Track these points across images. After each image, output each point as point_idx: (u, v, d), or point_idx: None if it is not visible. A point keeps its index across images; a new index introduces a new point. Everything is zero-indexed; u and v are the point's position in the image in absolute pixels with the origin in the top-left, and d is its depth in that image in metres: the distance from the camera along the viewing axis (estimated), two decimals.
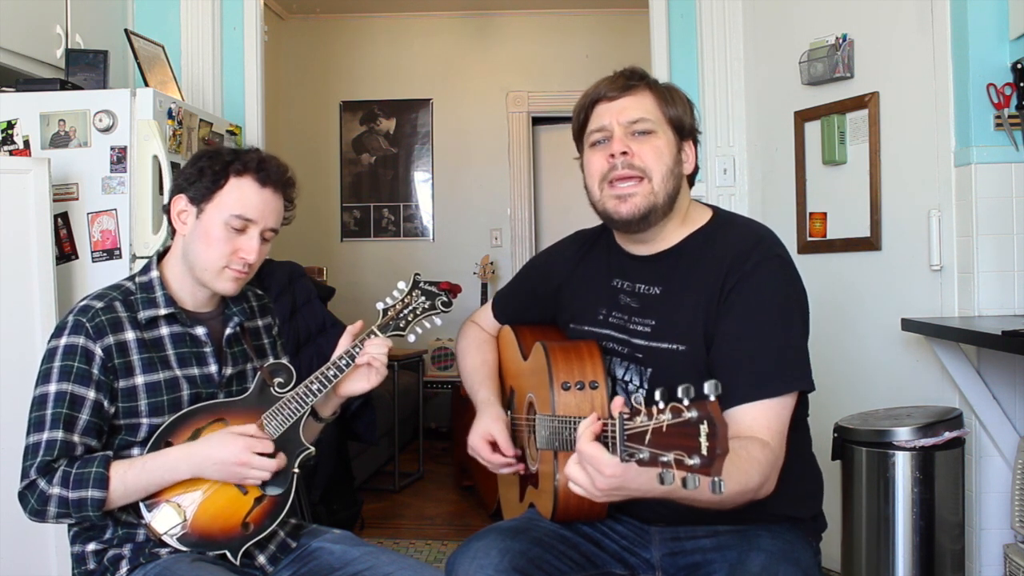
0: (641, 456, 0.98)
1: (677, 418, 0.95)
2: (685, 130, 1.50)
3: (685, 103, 1.51)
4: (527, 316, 1.78)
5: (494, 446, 1.59)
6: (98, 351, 1.46)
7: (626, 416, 1.01)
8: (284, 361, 1.67)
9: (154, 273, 1.58)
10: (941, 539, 2.16)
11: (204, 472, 1.48)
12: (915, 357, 2.56)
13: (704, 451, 0.93)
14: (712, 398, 0.94)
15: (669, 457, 0.95)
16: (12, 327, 2.27)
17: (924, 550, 2.15)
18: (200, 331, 1.58)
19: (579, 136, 1.56)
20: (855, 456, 2.25)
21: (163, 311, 1.54)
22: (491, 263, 5.42)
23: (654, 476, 0.98)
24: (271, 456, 1.50)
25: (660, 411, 0.97)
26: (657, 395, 0.97)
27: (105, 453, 1.45)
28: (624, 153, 1.45)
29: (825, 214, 2.86)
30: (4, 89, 2.59)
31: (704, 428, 0.93)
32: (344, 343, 1.62)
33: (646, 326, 1.49)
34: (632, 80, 1.49)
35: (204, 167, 1.54)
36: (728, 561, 1.40)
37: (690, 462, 0.93)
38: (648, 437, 0.97)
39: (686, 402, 0.95)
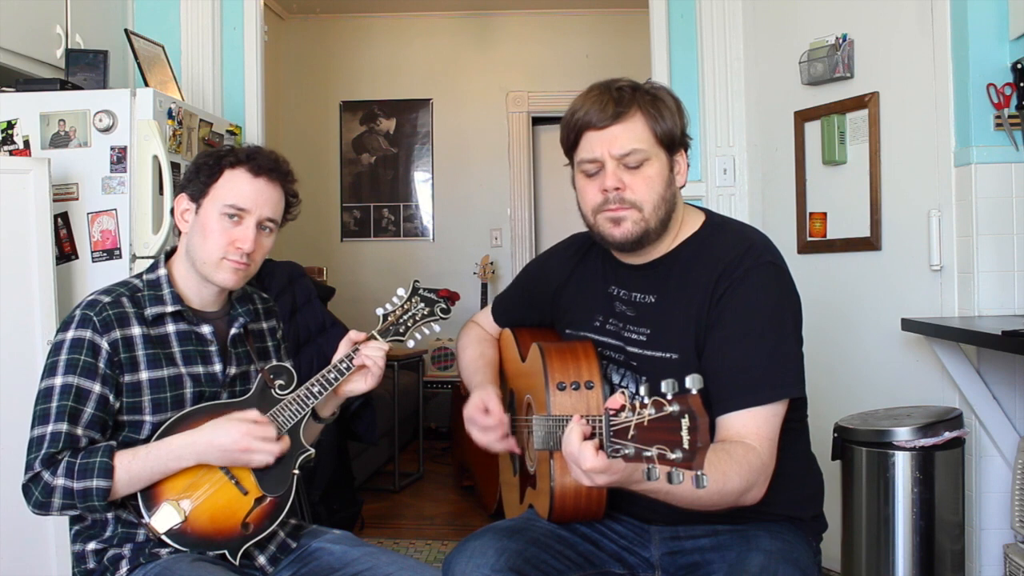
0: (626, 452, 0.98)
1: (659, 412, 0.96)
2: (676, 143, 1.47)
3: (674, 111, 1.47)
4: (525, 320, 1.78)
5: (487, 415, 1.57)
6: (104, 345, 1.47)
7: (612, 412, 1.01)
8: (286, 363, 1.68)
9: (161, 271, 1.59)
10: (941, 539, 2.16)
11: (207, 458, 1.48)
12: (915, 357, 2.56)
13: (686, 444, 0.93)
14: (694, 391, 0.95)
15: (652, 452, 0.95)
16: (12, 327, 2.27)
17: (924, 550, 2.15)
18: (206, 329, 1.59)
19: (569, 152, 1.53)
20: (855, 456, 2.25)
21: (170, 308, 1.55)
22: (491, 263, 5.42)
23: (641, 470, 0.98)
24: (275, 440, 1.51)
25: (643, 406, 0.97)
26: (642, 390, 0.98)
27: (109, 443, 1.45)
28: (617, 188, 1.43)
29: (825, 214, 2.86)
30: (4, 89, 2.59)
31: (685, 422, 0.94)
32: (344, 348, 1.63)
33: (641, 335, 1.50)
34: (621, 105, 1.42)
35: (200, 164, 1.58)
36: (727, 561, 1.40)
37: (672, 456, 0.94)
38: (632, 432, 0.98)
39: (669, 396, 0.95)
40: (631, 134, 1.43)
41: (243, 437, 1.47)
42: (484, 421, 1.55)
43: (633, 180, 1.44)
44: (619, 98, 1.43)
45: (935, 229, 2.48)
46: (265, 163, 1.57)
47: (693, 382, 0.95)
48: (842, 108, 2.76)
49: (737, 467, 1.27)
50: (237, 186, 1.55)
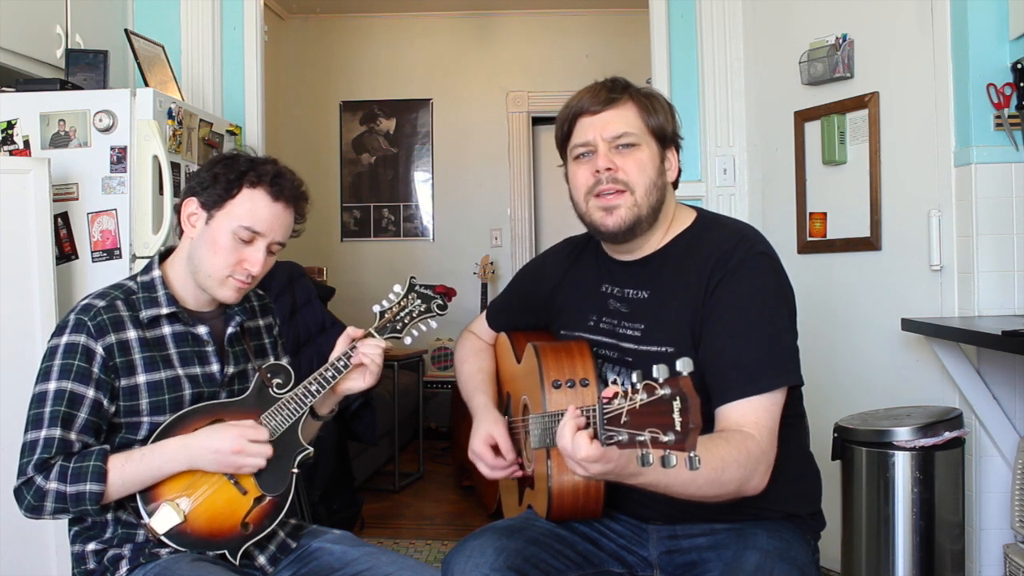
0: (620, 438, 0.99)
1: (651, 396, 0.97)
2: (667, 138, 1.52)
3: (666, 111, 1.52)
4: (520, 323, 1.78)
5: (495, 450, 1.59)
6: (99, 349, 1.47)
7: (605, 400, 1.02)
8: (283, 362, 1.67)
9: (156, 273, 1.58)
10: (941, 539, 2.16)
11: (200, 463, 1.48)
12: (915, 357, 2.56)
13: (678, 426, 0.94)
14: (685, 374, 0.96)
15: (645, 436, 0.96)
16: (12, 327, 2.27)
17: (924, 550, 2.15)
18: (202, 330, 1.58)
19: (563, 146, 1.57)
20: (855, 456, 2.25)
21: (165, 310, 1.55)
22: (491, 263, 5.42)
23: (636, 458, 0.99)
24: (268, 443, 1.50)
25: (635, 391, 0.98)
26: (634, 376, 0.99)
27: (102, 447, 1.45)
28: (608, 168, 1.46)
29: (825, 214, 2.86)
30: (4, 89, 2.59)
31: (677, 404, 0.95)
32: (342, 345, 1.62)
33: (636, 330, 1.50)
34: (614, 93, 1.49)
35: (219, 173, 1.54)
36: (724, 560, 1.40)
37: (665, 439, 0.95)
38: (624, 418, 0.98)
39: (660, 380, 0.96)
40: (623, 119, 1.48)
41: (236, 439, 1.47)
42: (495, 462, 1.57)
43: (625, 162, 1.47)
44: (612, 87, 1.50)
45: (935, 229, 2.48)
46: (287, 189, 1.55)
47: (684, 365, 0.96)
48: (842, 108, 2.76)
49: (736, 453, 1.27)
50: (255, 208, 1.52)
